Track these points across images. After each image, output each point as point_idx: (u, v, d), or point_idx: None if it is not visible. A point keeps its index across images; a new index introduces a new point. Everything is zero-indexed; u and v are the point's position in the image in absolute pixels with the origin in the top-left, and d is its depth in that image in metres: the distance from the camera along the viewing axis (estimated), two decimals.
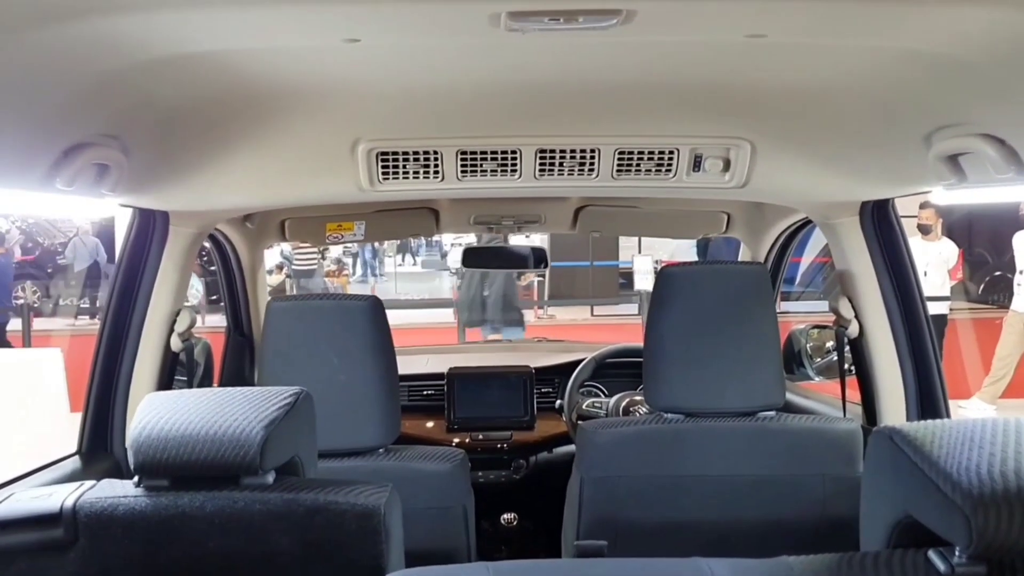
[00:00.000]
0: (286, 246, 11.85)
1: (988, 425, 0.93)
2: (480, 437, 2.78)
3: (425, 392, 2.89)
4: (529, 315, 13.05)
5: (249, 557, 1.09)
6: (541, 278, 14.19)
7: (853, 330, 2.00)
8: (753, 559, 0.93)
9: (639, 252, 13.94)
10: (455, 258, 15.27)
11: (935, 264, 8.62)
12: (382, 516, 1.11)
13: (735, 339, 1.83)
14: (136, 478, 1.14)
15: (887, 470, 0.95)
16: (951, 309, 8.91)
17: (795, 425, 1.81)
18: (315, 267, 12.79)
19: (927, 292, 7.02)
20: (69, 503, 1.11)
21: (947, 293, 8.88)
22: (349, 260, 16.18)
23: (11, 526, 1.10)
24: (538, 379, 2.89)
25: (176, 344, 1.93)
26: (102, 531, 1.10)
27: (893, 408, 1.96)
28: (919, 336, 1.94)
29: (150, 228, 1.90)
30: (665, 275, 1.88)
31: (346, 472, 1.71)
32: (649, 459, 1.82)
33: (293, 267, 12.70)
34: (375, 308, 1.78)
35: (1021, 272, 8.24)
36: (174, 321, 1.92)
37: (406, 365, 3.05)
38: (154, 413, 1.15)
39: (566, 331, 10.18)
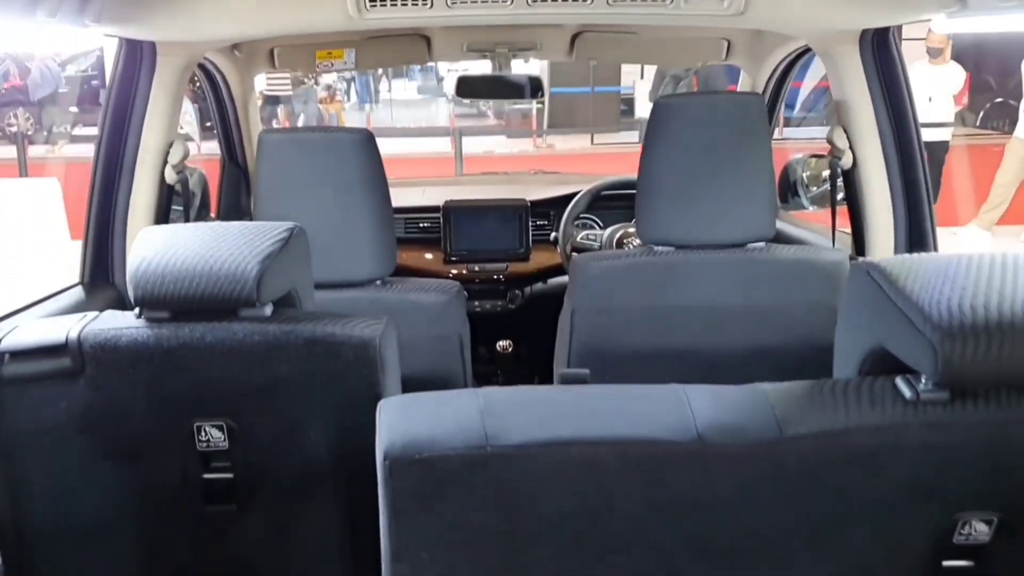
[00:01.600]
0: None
1: (964, 260, 0.96)
2: (477, 268, 2.83)
3: (422, 224, 2.91)
4: (527, 144, 12.97)
5: (250, 386, 1.14)
6: (540, 105, 13.99)
7: (847, 161, 2.00)
8: (730, 386, 0.98)
9: (641, 78, 13.68)
10: (452, 83, 14.98)
11: (940, 89, 8.46)
12: (378, 347, 1.15)
13: (727, 171, 1.83)
14: (137, 310, 1.18)
15: (862, 303, 0.98)
16: (953, 136, 8.82)
17: (783, 256, 1.84)
18: (288, 93, 12.49)
19: (930, 118, 6.91)
20: (74, 334, 1.15)
21: (951, 119, 8.78)
22: (343, 86, 15.84)
23: (21, 356, 1.15)
24: (534, 212, 2.91)
25: (171, 176, 1.93)
26: (107, 360, 1.15)
27: (882, 239, 1.99)
28: (912, 169, 1.94)
29: (138, 59, 1.87)
30: (659, 106, 1.86)
31: (344, 303, 1.75)
32: (639, 290, 1.86)
33: (264, 92, 12.49)
34: (367, 141, 1.77)
35: None
36: (167, 153, 1.92)
37: (403, 197, 3.07)
38: (151, 248, 1.18)
39: (564, 161, 10.13)
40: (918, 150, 1.95)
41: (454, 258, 2.84)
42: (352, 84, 16.87)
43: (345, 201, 1.75)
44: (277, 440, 1.16)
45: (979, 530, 0.93)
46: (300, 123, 13.42)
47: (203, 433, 1.15)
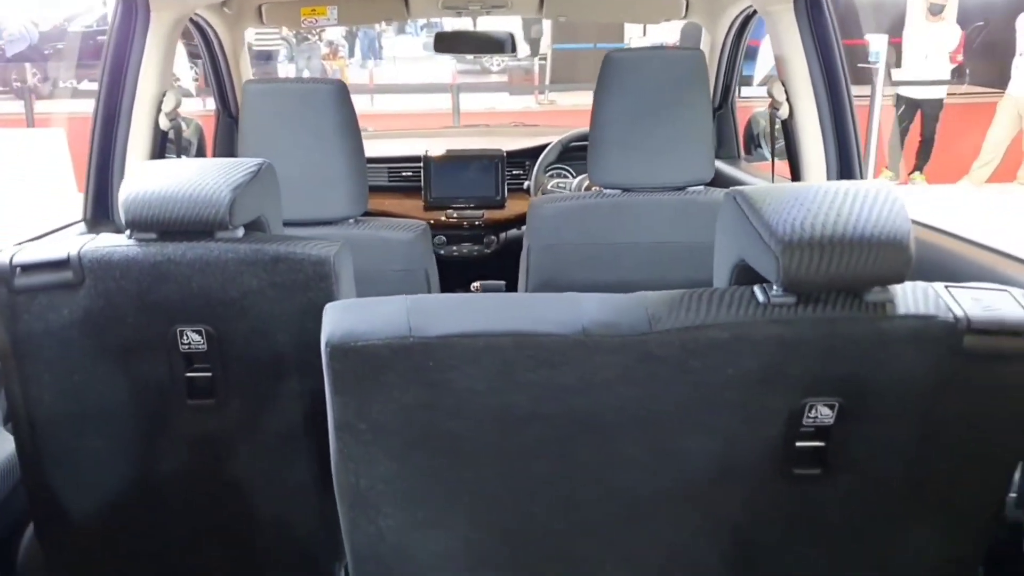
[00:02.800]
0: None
1: (816, 188, 1.14)
2: (455, 215, 3.02)
3: (404, 173, 3.10)
4: (530, 100, 13.06)
5: (225, 296, 1.34)
6: (543, 61, 14.05)
7: (784, 111, 2.18)
8: (619, 294, 1.17)
9: (644, 34, 13.73)
10: None
11: (936, 47, 8.53)
12: (332, 264, 1.35)
13: (670, 121, 2.01)
14: (128, 232, 1.38)
15: (730, 224, 1.16)
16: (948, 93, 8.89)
17: (718, 197, 2.02)
18: (277, 48, 12.62)
19: (926, 76, 6.98)
20: (75, 251, 1.35)
21: (947, 76, 8.85)
22: (345, 43, 15.89)
23: (30, 269, 1.35)
24: (510, 162, 3.09)
25: (164, 123, 2.12)
26: (104, 273, 1.35)
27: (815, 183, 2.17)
28: (843, 121, 2.12)
29: (132, 15, 2.05)
30: (609, 60, 2.04)
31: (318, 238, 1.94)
32: (588, 229, 2.06)
33: (254, 48, 12.61)
34: (340, 92, 1.95)
35: (1020, 55, 8.18)
36: (161, 101, 2.11)
37: (388, 148, 3.26)
38: (141, 179, 1.37)
39: (566, 117, 10.23)
40: (848, 104, 2.12)
41: (432, 205, 3.03)
42: (356, 41, 16.93)
43: (320, 146, 1.93)
44: (249, 343, 1.36)
45: (824, 413, 1.13)
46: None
47: (185, 337, 1.35)
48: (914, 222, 1.13)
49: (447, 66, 14.44)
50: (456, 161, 3.05)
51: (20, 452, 1.45)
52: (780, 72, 2.19)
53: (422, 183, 3.03)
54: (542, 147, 3.01)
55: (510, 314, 1.12)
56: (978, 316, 1.08)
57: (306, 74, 13.43)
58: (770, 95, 2.21)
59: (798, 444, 1.15)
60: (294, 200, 1.90)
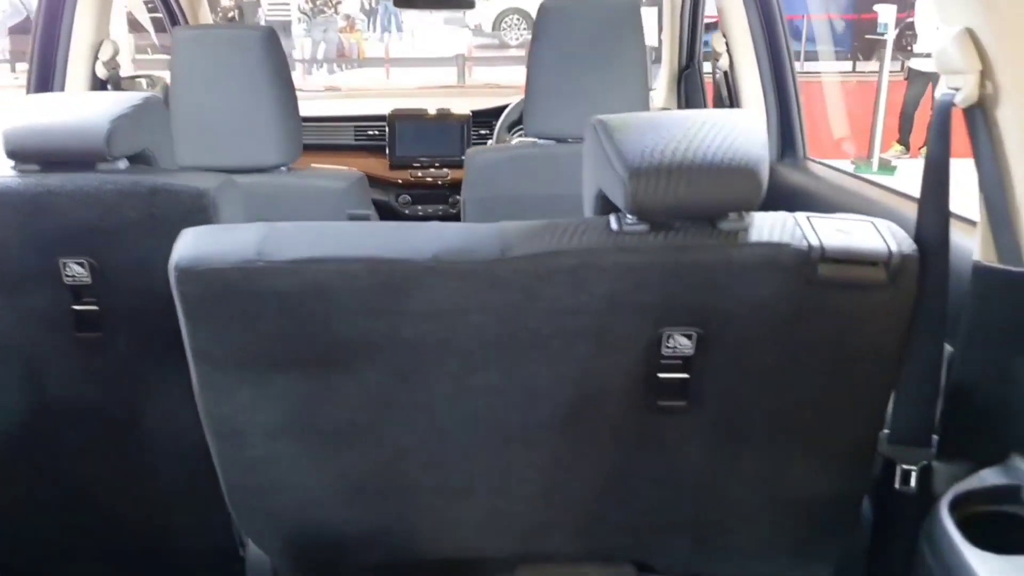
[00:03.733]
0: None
1: (678, 116, 1.13)
2: (420, 174, 3.02)
3: (369, 132, 3.10)
4: None
5: (106, 228, 1.35)
6: None
7: (724, 63, 2.15)
8: (479, 224, 1.16)
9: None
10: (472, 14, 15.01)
11: None
12: (212, 197, 1.35)
13: (604, 71, 1.99)
14: (12, 163, 1.38)
15: (592, 153, 1.15)
16: None
17: None
18: (288, 19, 12.63)
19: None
20: None
21: None
22: (364, 16, 15.88)
23: None
24: (477, 121, 3.08)
25: (102, 71, 2.13)
26: None
27: None
28: (782, 76, 2.09)
29: None
30: (543, 9, 2.02)
31: (250, 187, 1.92)
32: (521, 180, 2.04)
33: (267, 20, 12.62)
34: (270, 37, 1.94)
35: None
36: (98, 50, 2.11)
37: (359, 107, 3.25)
38: (26, 110, 1.38)
39: None
40: (787, 60, 2.09)
41: (398, 164, 3.02)
42: (375, 16, 16.90)
43: (249, 92, 1.92)
44: (133, 276, 1.36)
45: (682, 343, 1.12)
46: (320, 51, 13.58)
47: (68, 269, 1.36)
48: (847, 174, 1.11)
49: (466, 40, 14.40)
50: (421, 120, 3.04)
51: None
52: (721, 24, 2.16)
53: (387, 142, 3.03)
54: (506, 106, 2.99)
55: (363, 241, 1.11)
56: (832, 245, 1.07)
57: (322, 47, 13.47)
58: (712, 46, 2.18)
59: (660, 376, 1.14)
60: (222, 147, 1.91)
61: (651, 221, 1.08)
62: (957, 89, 1.06)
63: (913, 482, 1.19)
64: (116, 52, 2.14)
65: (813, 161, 2.09)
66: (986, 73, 1.04)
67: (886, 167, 7.93)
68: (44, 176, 1.35)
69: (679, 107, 3.03)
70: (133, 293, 1.37)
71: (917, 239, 1.10)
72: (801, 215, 1.12)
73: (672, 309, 1.10)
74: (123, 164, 1.38)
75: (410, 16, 18.30)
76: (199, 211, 1.33)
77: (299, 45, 13.59)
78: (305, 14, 13.79)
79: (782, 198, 2.06)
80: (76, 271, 1.36)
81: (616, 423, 1.19)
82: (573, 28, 1.99)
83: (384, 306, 1.10)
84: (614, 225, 1.09)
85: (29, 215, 1.34)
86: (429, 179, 3.02)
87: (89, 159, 1.35)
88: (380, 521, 1.28)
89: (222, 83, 1.91)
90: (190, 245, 1.10)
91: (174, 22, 2.75)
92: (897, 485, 1.19)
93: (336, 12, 13.69)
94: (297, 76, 12.76)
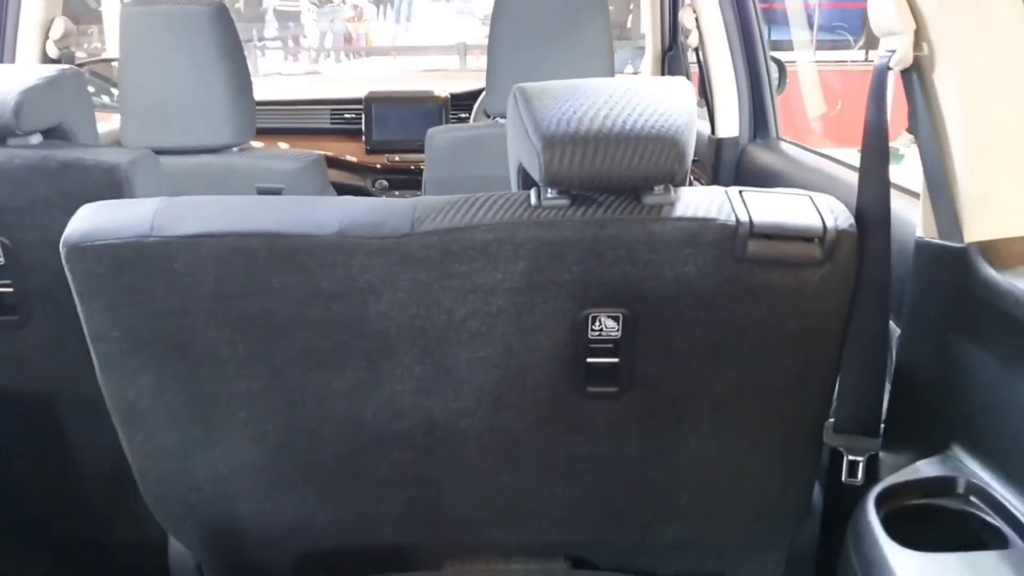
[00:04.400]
0: None
1: (602, 83, 1.05)
2: (397, 159, 2.96)
3: (346, 116, 3.03)
4: None
5: (17, 205, 1.29)
6: None
7: (693, 39, 2.07)
8: (394, 198, 1.10)
9: None
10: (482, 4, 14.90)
11: None
12: (124, 171, 1.29)
13: (567, 49, 1.92)
14: None
15: (512, 124, 1.08)
16: None
17: None
18: (297, 9, 12.57)
19: None
20: None
21: None
22: (372, 6, 15.81)
23: None
24: (457, 104, 3.01)
25: (53, 50, 2.07)
26: None
27: (728, 117, 2.07)
28: (753, 56, 2.02)
29: None
30: None
31: (199, 167, 1.88)
32: (482, 160, 1.98)
33: (275, 9, 12.56)
34: (220, 13, 1.88)
35: None
36: (49, 28, 2.06)
37: (337, 90, 3.19)
38: None
39: None
40: (759, 37, 2.01)
41: (375, 148, 2.96)
42: (385, 4, 16.82)
43: (199, 70, 1.86)
44: (48, 256, 1.30)
45: (608, 325, 1.05)
46: (327, 41, 13.53)
47: None
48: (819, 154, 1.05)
49: (478, 29, 14.30)
50: (398, 103, 2.98)
51: None
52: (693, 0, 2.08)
53: (363, 126, 2.96)
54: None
55: (263, 215, 1.05)
56: (762, 220, 1.00)
57: (329, 36, 13.42)
58: (681, 21, 2.10)
59: (589, 360, 1.08)
60: (171, 126, 1.85)
61: (571, 195, 1.02)
62: (893, 52, 0.99)
63: (860, 473, 1.12)
64: (69, 31, 2.09)
65: (786, 141, 2.01)
66: (920, 33, 0.96)
67: (894, 155, 7.80)
68: None
69: None
70: (49, 273, 1.32)
71: (857, 214, 1.03)
72: (734, 189, 1.05)
73: (595, 288, 1.04)
74: (36, 139, 1.32)
75: (421, 6, 18.26)
76: (111, 187, 1.28)
77: (309, 34, 13.55)
78: (314, 3, 13.74)
79: (753, 178, 1.99)
80: None
81: (544, 410, 1.13)
82: (533, 5, 1.92)
83: (287, 283, 1.04)
84: (533, 199, 1.03)
85: None
86: (406, 163, 2.95)
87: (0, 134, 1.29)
88: (297, 512, 1.22)
89: (171, 61, 1.86)
90: (84, 221, 1.04)
91: None
92: (844, 477, 1.13)
93: (344, 2, 13.64)
94: (303, 63, 12.75)
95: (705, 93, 2.15)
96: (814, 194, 1.06)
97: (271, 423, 1.15)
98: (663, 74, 2.93)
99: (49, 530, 1.55)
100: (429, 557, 1.29)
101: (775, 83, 2.03)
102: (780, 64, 2.46)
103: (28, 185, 1.28)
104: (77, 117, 1.42)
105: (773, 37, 6.36)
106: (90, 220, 1.04)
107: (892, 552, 0.88)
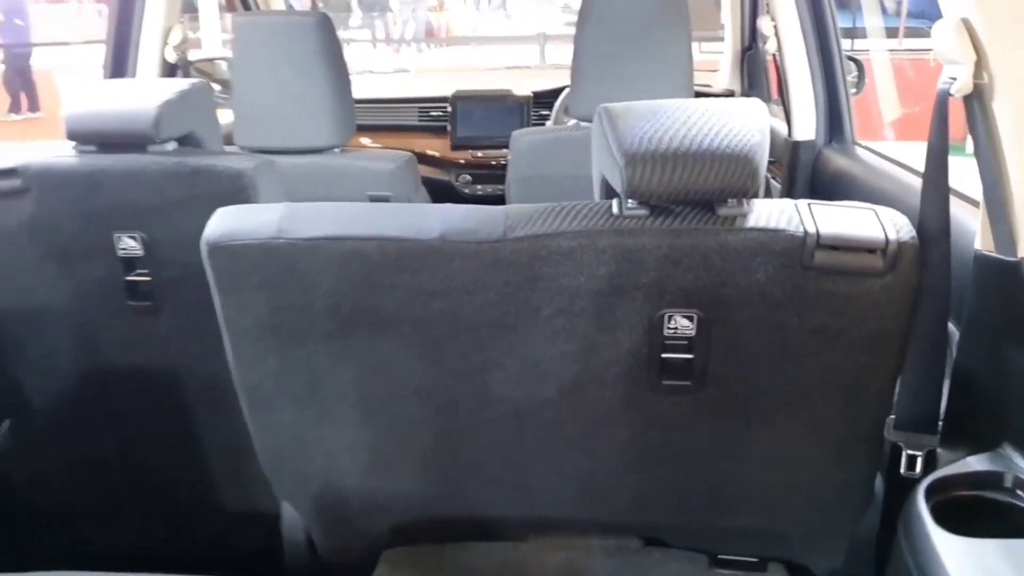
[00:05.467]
0: None
1: (680, 105, 1.15)
2: (480, 155, 3.07)
3: (432, 113, 3.17)
4: None
5: (155, 206, 1.46)
6: None
7: (771, 46, 2.14)
8: (485, 206, 1.22)
9: None
10: None
11: None
12: (250, 176, 1.44)
13: (649, 54, 2.01)
14: (73, 144, 1.50)
15: (597, 140, 1.19)
16: None
17: None
18: None
19: None
20: (23, 161, 1.49)
21: None
22: None
23: None
24: (538, 102, 3.11)
25: (171, 55, 2.25)
26: (46, 182, 1.48)
27: (804, 121, 2.13)
28: (830, 60, 2.07)
29: None
30: None
31: (304, 167, 2.03)
32: (563, 161, 2.08)
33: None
34: (324, 24, 2.02)
35: None
36: (167, 35, 2.24)
37: (425, 88, 3.33)
38: (86, 95, 1.50)
39: None
40: (835, 43, 2.07)
41: (458, 144, 3.09)
42: None
43: (305, 77, 2.01)
44: (181, 250, 1.47)
45: (683, 324, 1.15)
46: (408, 30, 13.76)
47: (121, 242, 1.47)
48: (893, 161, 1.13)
49: (562, 17, 14.32)
50: (482, 101, 3.09)
51: None
52: (770, 7, 2.15)
53: (448, 123, 3.09)
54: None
55: (375, 221, 1.18)
56: (828, 232, 1.08)
57: (411, 25, 13.63)
58: (759, 28, 2.17)
59: (664, 356, 1.18)
60: (279, 129, 2.00)
61: (650, 206, 1.12)
62: (955, 79, 1.06)
63: (919, 467, 1.20)
64: (185, 39, 2.26)
65: (860, 146, 2.07)
66: (981, 64, 1.04)
67: (955, 148, 7.61)
68: (99, 156, 1.46)
69: (742, 88, 3.01)
70: (181, 266, 1.48)
71: (919, 227, 1.11)
72: (803, 202, 1.14)
73: (671, 291, 1.13)
74: (171, 146, 1.48)
75: None
76: (238, 191, 1.43)
77: (392, 24, 13.81)
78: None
79: (827, 181, 2.06)
80: (129, 244, 1.47)
81: (621, 401, 1.23)
82: (619, 12, 2.02)
83: (395, 283, 1.16)
84: (615, 209, 1.13)
85: (85, 191, 1.45)
86: (488, 159, 3.07)
87: (140, 141, 1.45)
88: (395, 486, 1.36)
89: (279, 68, 2.01)
90: (220, 223, 1.18)
91: (247, 8, 2.87)
92: (903, 470, 1.21)
93: None
94: (385, 54, 13.01)
95: (783, 96, 2.21)
96: (879, 208, 1.14)
97: (374, 407, 1.28)
98: (741, 73, 2.99)
99: (173, 497, 1.72)
100: (514, 530, 1.41)
101: (851, 86, 2.09)
102: (859, 64, 2.50)
103: (164, 187, 1.44)
104: (205, 126, 1.57)
105: (846, 24, 6.27)
106: (225, 223, 1.18)
107: (938, 536, 0.97)
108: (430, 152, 3.09)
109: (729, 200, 1.11)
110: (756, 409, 1.22)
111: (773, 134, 2.07)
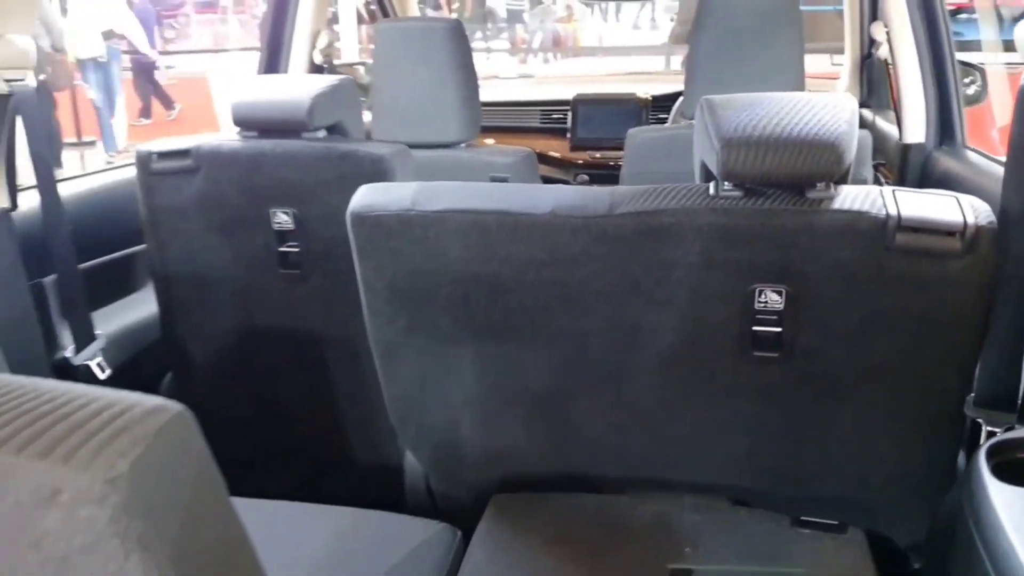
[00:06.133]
0: None
1: (776, 97, 1.26)
2: (598, 155, 3.21)
3: (554, 116, 3.32)
4: None
5: (306, 185, 1.66)
6: None
7: (884, 52, 2.20)
8: (596, 186, 1.35)
9: None
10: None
11: None
12: (388, 161, 1.62)
13: (762, 58, 2.10)
14: (238, 130, 1.72)
15: (698, 128, 1.31)
16: None
17: None
18: (522, 9, 13.07)
19: None
20: (195, 144, 1.72)
21: None
22: (586, 7, 16.15)
23: (163, 156, 1.74)
24: (657, 106, 3.22)
25: (318, 58, 2.49)
26: (214, 162, 1.70)
27: (914, 124, 2.18)
28: (942, 64, 2.12)
29: None
30: (705, 1, 2.16)
31: (435, 159, 2.22)
32: (676, 159, 2.19)
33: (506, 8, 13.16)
34: (457, 30, 2.21)
35: None
36: (316, 38, 2.48)
37: (547, 92, 3.49)
38: (249, 87, 1.72)
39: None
40: (947, 48, 2.11)
41: (578, 145, 3.23)
42: (594, 5, 17.14)
43: (439, 76, 2.20)
44: (326, 225, 1.66)
45: (773, 299, 1.26)
46: (536, 40, 14.02)
47: (276, 216, 1.68)
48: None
49: None
50: (603, 104, 3.22)
51: (160, 306, 1.85)
52: (882, 14, 2.21)
53: (569, 125, 3.24)
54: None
55: (495, 197, 1.33)
56: (909, 215, 1.17)
57: (539, 35, 13.89)
58: (871, 36, 2.23)
59: (755, 328, 1.29)
60: (412, 124, 2.20)
61: (744, 188, 1.23)
62: None
63: None
64: (331, 42, 2.49)
65: (971, 150, 2.11)
66: None
67: None
68: (260, 141, 1.67)
69: (861, 96, 3.05)
70: (325, 238, 1.68)
71: (1000, 212, 1.18)
72: (888, 188, 1.23)
73: (762, 267, 1.24)
74: (322, 133, 1.68)
75: (629, 7, 18.46)
76: (378, 174, 1.61)
77: (520, 34, 14.13)
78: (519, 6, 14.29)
79: (936, 183, 2.10)
80: (283, 219, 1.67)
81: (713, 370, 1.34)
82: (733, 16, 2.12)
83: (510, 252, 1.31)
84: (712, 190, 1.25)
85: (247, 171, 1.67)
86: (606, 160, 3.20)
87: (295, 128, 1.66)
88: (505, 440, 1.50)
89: (414, 69, 2.20)
90: (363, 197, 1.36)
91: (385, 15, 3.10)
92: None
93: (555, 2, 14.07)
94: (514, 64, 13.31)
95: (894, 99, 2.26)
96: (961, 195, 1.22)
97: (488, 365, 1.43)
98: (861, 80, 3.02)
99: (308, 451, 1.92)
100: (612, 486, 1.53)
101: (973, 94, 2.13)
102: (981, 72, 2.51)
103: (315, 169, 1.63)
104: (351, 117, 1.77)
105: (969, 37, 6.07)
106: (368, 197, 1.35)
107: (993, 487, 1.04)
108: (550, 153, 3.24)
109: (817, 184, 1.21)
110: (840, 382, 1.30)
111: (885, 137, 2.13)
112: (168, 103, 10.47)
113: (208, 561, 0.57)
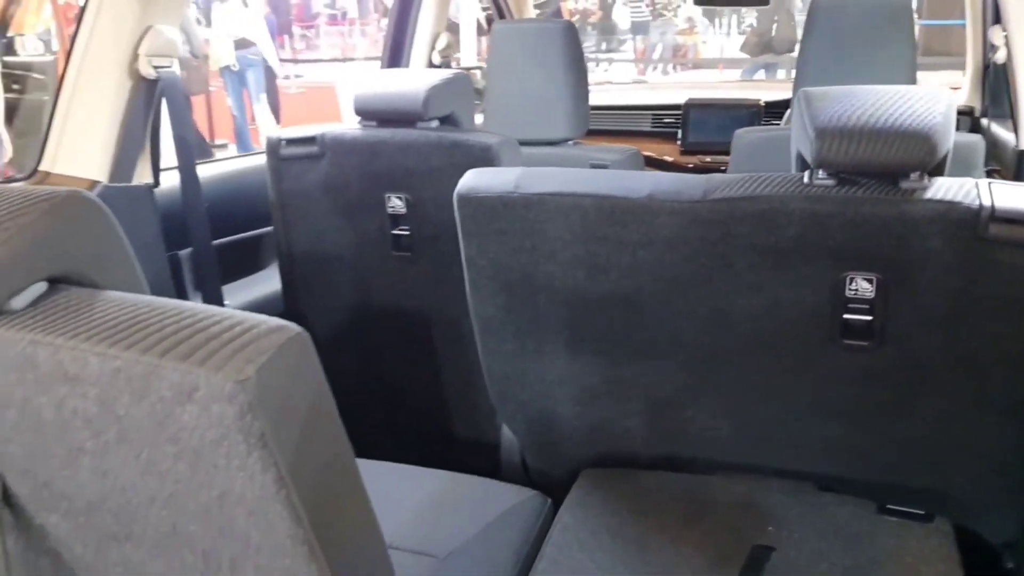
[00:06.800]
0: None
1: (872, 90, 1.29)
2: (708, 159, 3.23)
3: (665, 120, 3.37)
4: None
5: (419, 171, 1.77)
6: None
7: (1001, 56, 2.16)
8: (691, 174, 1.40)
9: None
10: None
11: None
12: (495, 149, 1.71)
13: (872, 65, 2.10)
14: (359, 120, 1.85)
15: (796, 120, 1.34)
16: None
17: None
18: (646, 19, 13.11)
19: None
20: (320, 132, 1.86)
21: None
22: (706, 20, 16.03)
23: (291, 143, 1.88)
24: (770, 112, 3.22)
25: (436, 59, 2.61)
26: (338, 149, 1.83)
27: None
28: None
29: None
30: (815, 6, 2.18)
31: (542, 155, 2.30)
32: (779, 159, 2.19)
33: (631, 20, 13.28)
34: (570, 31, 2.30)
35: None
36: (435, 40, 2.60)
37: (659, 96, 3.54)
38: (370, 81, 1.84)
39: None
40: None
41: (688, 149, 3.26)
42: (717, 18, 16.99)
43: (550, 76, 2.29)
44: (436, 210, 1.77)
45: (863, 287, 1.28)
46: (656, 52, 14.00)
47: (391, 201, 1.80)
48: None
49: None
50: (715, 108, 3.24)
51: (284, 283, 1.99)
52: (1000, 17, 2.17)
53: (680, 129, 3.27)
54: None
55: (594, 182, 1.40)
56: (1003, 206, 1.18)
57: (659, 47, 13.87)
58: (989, 39, 2.20)
59: (845, 316, 1.31)
60: (523, 121, 2.29)
61: (837, 176, 1.26)
62: None
63: None
64: (449, 44, 2.62)
65: None
66: None
67: None
68: (379, 129, 1.80)
69: (983, 105, 2.98)
70: (435, 223, 1.78)
71: None
72: (984, 180, 1.23)
73: (853, 255, 1.25)
74: (435, 124, 1.79)
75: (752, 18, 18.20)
76: (486, 161, 1.70)
77: (641, 45, 14.16)
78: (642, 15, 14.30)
79: None
80: (396, 204, 1.79)
81: (802, 356, 1.36)
82: (843, 22, 2.13)
83: (607, 234, 1.37)
84: (806, 179, 1.28)
85: (367, 158, 1.79)
86: (716, 163, 3.22)
87: (411, 118, 1.77)
88: (597, 418, 1.56)
89: (526, 67, 2.30)
90: (470, 180, 1.45)
91: (501, 17, 3.21)
92: None
93: (675, 15, 14.02)
94: (631, 73, 13.34)
95: (1011, 105, 2.22)
96: None
97: (583, 344, 1.49)
98: (983, 89, 2.96)
99: (413, 421, 2.03)
100: (702, 467, 1.57)
101: None
102: None
103: (428, 157, 1.74)
104: (463, 109, 1.88)
105: None
106: (474, 180, 1.44)
107: None
108: (660, 156, 3.28)
109: (911, 174, 1.23)
110: (930, 371, 1.31)
111: (1001, 143, 2.10)
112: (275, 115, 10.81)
113: (319, 471, 0.65)
